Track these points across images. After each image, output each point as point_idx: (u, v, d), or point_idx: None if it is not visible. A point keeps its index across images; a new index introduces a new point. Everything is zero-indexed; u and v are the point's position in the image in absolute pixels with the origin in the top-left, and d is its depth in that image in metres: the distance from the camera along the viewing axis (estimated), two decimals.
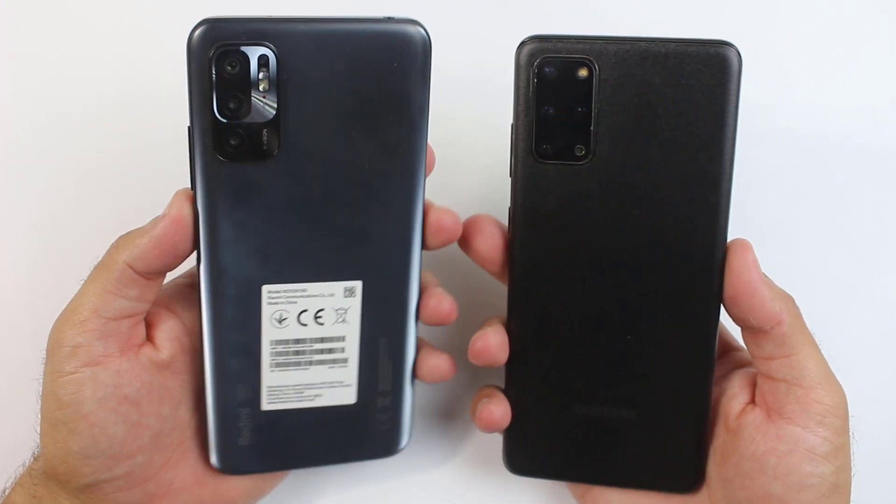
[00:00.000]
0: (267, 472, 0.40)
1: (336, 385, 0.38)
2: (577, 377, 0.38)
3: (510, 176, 0.37)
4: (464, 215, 0.38)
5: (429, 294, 0.39)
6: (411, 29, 0.34)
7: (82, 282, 0.35)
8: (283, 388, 0.38)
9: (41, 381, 0.35)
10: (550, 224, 0.37)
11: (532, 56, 0.35)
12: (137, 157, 0.46)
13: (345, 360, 0.38)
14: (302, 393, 0.38)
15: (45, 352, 0.35)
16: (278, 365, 0.37)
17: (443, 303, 0.38)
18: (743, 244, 0.36)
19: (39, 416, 0.35)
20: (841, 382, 0.36)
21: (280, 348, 0.37)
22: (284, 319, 0.37)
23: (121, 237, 0.35)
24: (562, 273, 0.37)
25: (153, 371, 0.36)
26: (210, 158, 0.33)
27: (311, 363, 0.38)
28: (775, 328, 0.35)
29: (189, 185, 0.34)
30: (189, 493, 0.39)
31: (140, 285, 0.35)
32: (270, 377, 0.37)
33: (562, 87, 0.36)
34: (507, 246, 0.38)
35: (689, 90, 0.35)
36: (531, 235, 0.37)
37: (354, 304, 0.37)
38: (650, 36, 0.35)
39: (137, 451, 0.36)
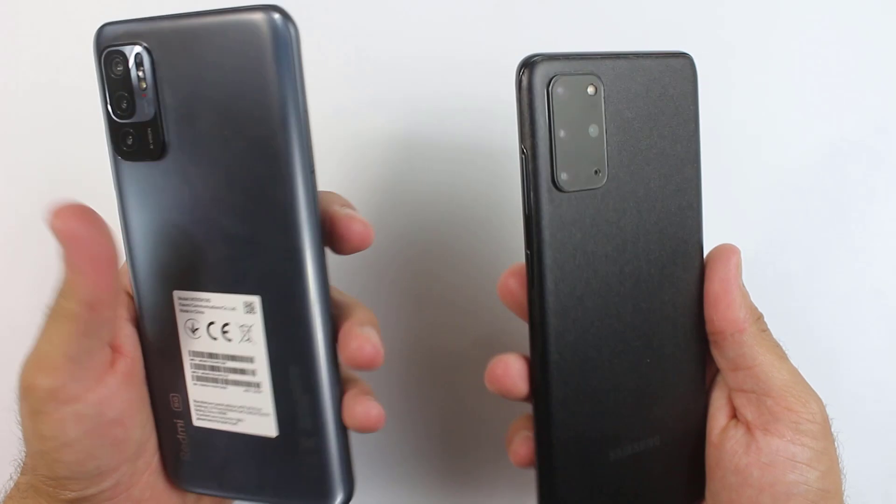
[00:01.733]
0: (207, 493, 0.38)
1: (254, 412, 0.35)
2: (610, 418, 0.36)
3: (524, 209, 0.34)
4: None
5: (350, 334, 0.33)
6: (261, 16, 0.31)
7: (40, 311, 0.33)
8: (207, 404, 0.36)
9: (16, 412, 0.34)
10: (575, 257, 0.34)
11: (544, 76, 0.33)
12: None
13: (258, 385, 0.35)
14: (224, 414, 0.36)
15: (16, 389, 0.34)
16: (199, 378, 0.36)
17: (365, 346, 0.33)
18: (730, 248, 0.37)
19: (22, 438, 0.35)
20: (840, 383, 0.39)
21: (197, 360, 0.36)
22: (196, 329, 0.35)
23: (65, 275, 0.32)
24: (590, 307, 0.35)
25: (128, 381, 0.35)
26: (115, 158, 0.34)
27: (227, 382, 0.35)
28: (735, 335, 0.36)
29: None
30: (173, 496, 0.39)
31: (109, 318, 0.33)
32: (195, 390, 0.36)
33: (576, 108, 0.33)
34: (527, 287, 0.35)
35: (668, 100, 0.35)
36: (559, 273, 0.34)
37: (257, 322, 0.34)
38: (620, 50, 0.35)
39: (123, 463, 0.36)
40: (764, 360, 0.35)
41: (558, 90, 0.33)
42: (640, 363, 0.36)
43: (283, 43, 0.31)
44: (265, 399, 0.35)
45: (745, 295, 0.36)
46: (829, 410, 0.35)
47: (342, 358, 0.34)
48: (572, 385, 0.35)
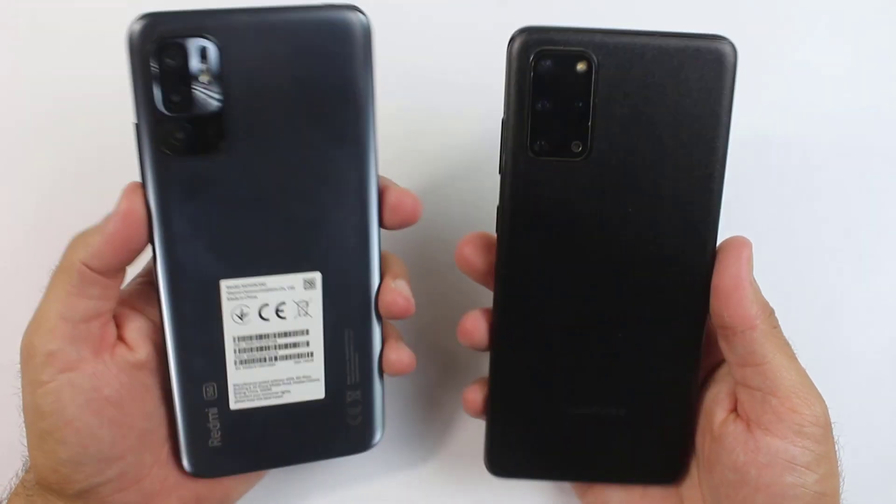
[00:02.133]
0: (239, 473, 0.39)
1: (303, 380, 0.38)
2: (565, 376, 0.38)
3: (500, 173, 0.36)
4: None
5: (385, 290, 0.38)
6: (350, 14, 0.34)
7: (43, 289, 0.35)
8: (249, 385, 0.37)
9: (19, 394, 0.35)
10: (543, 221, 0.36)
11: (527, 48, 0.34)
12: (91, 156, 0.46)
13: (310, 355, 0.38)
14: (269, 390, 0.38)
15: (18, 364, 0.35)
16: (243, 362, 0.37)
17: (398, 300, 0.38)
18: (742, 241, 0.36)
19: (24, 429, 0.35)
20: (840, 382, 0.36)
21: (243, 345, 0.37)
22: (245, 315, 0.36)
23: (75, 237, 0.35)
24: (552, 270, 0.36)
25: (130, 371, 0.36)
26: (157, 153, 0.33)
27: (276, 359, 0.37)
28: (747, 331, 0.35)
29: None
30: (185, 489, 0.38)
31: (101, 284, 0.34)
32: (236, 375, 0.37)
33: (560, 81, 0.34)
34: (492, 243, 0.37)
35: (686, 85, 0.34)
36: (522, 232, 0.36)
37: (315, 296, 0.37)
38: (645, 29, 0.34)
39: (127, 452, 0.36)
40: (773, 359, 0.35)
41: (543, 62, 0.34)
42: (612, 334, 0.37)
43: (368, 40, 0.34)
44: (316, 366, 0.38)
45: (757, 290, 0.36)
46: (830, 411, 0.35)
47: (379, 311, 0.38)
48: (527, 334, 0.37)
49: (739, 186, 0.40)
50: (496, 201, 0.36)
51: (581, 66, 0.34)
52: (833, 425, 0.35)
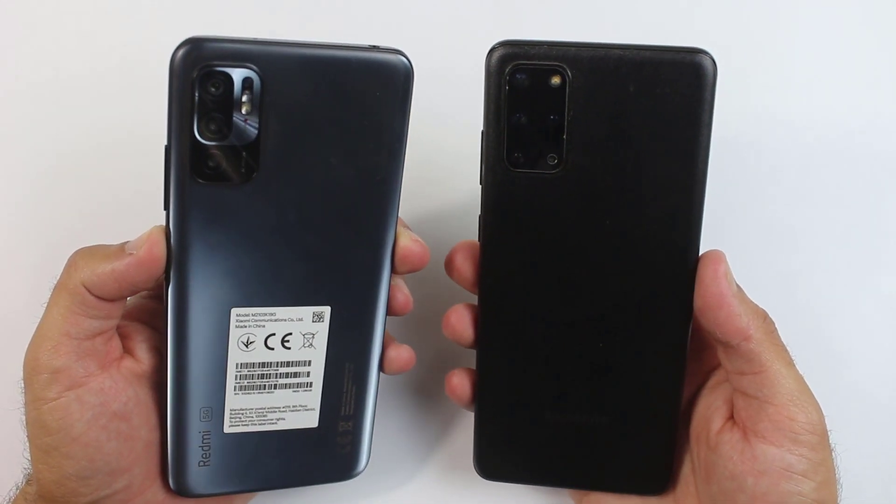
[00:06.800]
0: (223, 494, 0.39)
1: (299, 409, 0.38)
2: (548, 383, 0.38)
3: (480, 184, 0.36)
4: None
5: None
6: (395, 59, 0.34)
7: (44, 303, 0.34)
8: (246, 410, 0.37)
9: (22, 409, 0.34)
10: (520, 232, 0.36)
11: (503, 62, 0.34)
12: (132, 166, 0.45)
13: (309, 385, 0.38)
14: (265, 416, 0.38)
15: (22, 380, 0.34)
16: (242, 388, 0.37)
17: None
18: (716, 255, 0.35)
19: (28, 443, 0.34)
20: (840, 383, 0.36)
21: (245, 371, 0.36)
22: (252, 343, 0.36)
23: (78, 254, 0.34)
24: (531, 280, 0.37)
25: (137, 383, 0.36)
26: (186, 179, 0.33)
27: (275, 387, 0.37)
28: (742, 343, 0.35)
29: (162, 205, 0.33)
30: (190, 501, 0.38)
31: (103, 307, 0.34)
32: (234, 400, 0.37)
33: (534, 95, 0.35)
34: (478, 253, 0.37)
35: (663, 98, 0.34)
36: (500, 242, 0.37)
37: (322, 329, 0.37)
38: (623, 42, 0.34)
39: (133, 464, 0.36)
40: (771, 368, 0.35)
41: (517, 76, 0.34)
42: (592, 343, 0.37)
43: (408, 86, 0.34)
44: (314, 396, 0.38)
45: (743, 299, 0.35)
46: (830, 413, 0.35)
47: (395, 268, 0.38)
48: (509, 340, 0.38)
49: (745, 185, 0.40)
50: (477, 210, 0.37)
51: (555, 80, 0.34)
52: (830, 433, 0.35)
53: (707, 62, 0.34)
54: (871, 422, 0.43)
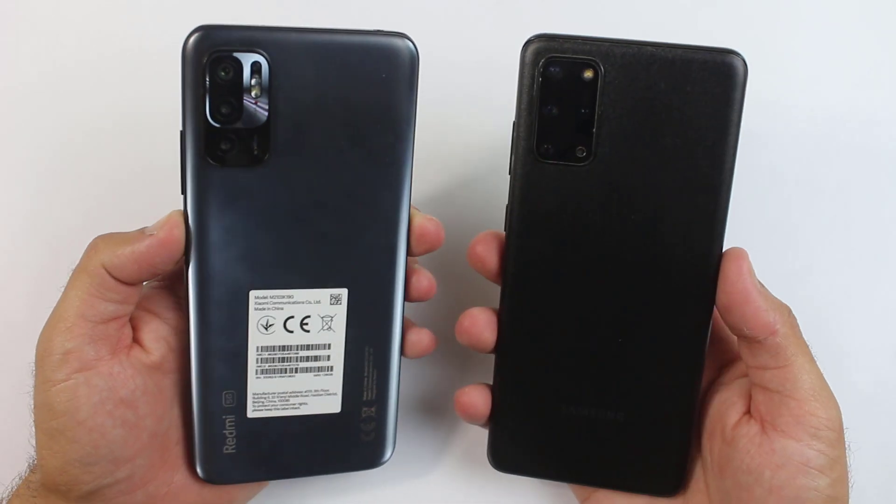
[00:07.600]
0: (250, 481, 0.40)
1: (321, 393, 0.38)
2: (566, 377, 0.38)
3: (509, 174, 0.37)
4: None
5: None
6: (399, 42, 0.35)
7: (62, 288, 0.35)
8: (268, 395, 0.38)
9: (31, 393, 0.35)
10: (547, 223, 0.37)
11: (537, 55, 0.35)
12: (134, 161, 0.46)
13: (330, 368, 0.38)
14: (287, 401, 0.38)
15: (33, 363, 0.35)
16: (264, 372, 0.37)
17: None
18: (738, 253, 0.36)
19: (34, 429, 0.35)
20: (841, 382, 0.36)
21: (266, 354, 0.37)
22: (271, 325, 0.37)
23: (99, 238, 0.35)
24: (556, 272, 0.37)
25: (145, 372, 0.36)
26: (201, 162, 0.34)
27: (297, 370, 0.38)
28: (769, 338, 0.35)
29: (180, 189, 0.35)
30: (191, 493, 0.39)
31: (121, 290, 0.35)
32: (256, 384, 0.37)
33: (566, 88, 0.35)
34: (503, 243, 0.38)
35: (693, 97, 0.35)
36: (527, 232, 0.37)
37: (340, 312, 0.38)
38: (656, 41, 0.35)
39: (137, 454, 0.36)
40: (795, 363, 0.35)
41: (551, 69, 0.35)
42: (612, 340, 0.38)
43: (414, 68, 0.35)
44: (335, 380, 0.38)
45: (767, 295, 0.36)
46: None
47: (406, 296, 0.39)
48: (531, 332, 0.38)
49: (745, 185, 0.41)
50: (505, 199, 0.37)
51: (587, 74, 0.35)
52: (846, 431, 0.35)
53: (738, 63, 0.35)
54: (872, 422, 0.43)
